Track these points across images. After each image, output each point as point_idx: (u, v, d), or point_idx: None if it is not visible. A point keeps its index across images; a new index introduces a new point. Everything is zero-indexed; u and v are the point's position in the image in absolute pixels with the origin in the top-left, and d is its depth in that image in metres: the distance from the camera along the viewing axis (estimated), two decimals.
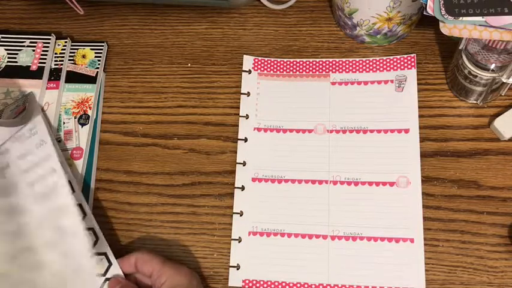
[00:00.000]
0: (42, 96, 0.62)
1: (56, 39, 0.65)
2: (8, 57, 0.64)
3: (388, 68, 0.60)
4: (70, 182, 0.55)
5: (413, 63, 0.60)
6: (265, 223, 0.56)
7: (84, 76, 0.63)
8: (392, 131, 0.58)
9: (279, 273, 0.55)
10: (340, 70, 0.61)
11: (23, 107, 0.58)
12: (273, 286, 0.54)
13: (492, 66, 0.51)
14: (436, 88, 0.60)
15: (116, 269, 0.52)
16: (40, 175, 0.55)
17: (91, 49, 0.65)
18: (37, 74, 0.62)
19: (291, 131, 0.60)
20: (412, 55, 0.61)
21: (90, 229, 0.54)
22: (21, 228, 0.53)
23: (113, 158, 0.61)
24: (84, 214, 0.54)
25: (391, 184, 0.56)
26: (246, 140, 0.60)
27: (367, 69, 0.61)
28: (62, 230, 0.53)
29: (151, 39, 0.66)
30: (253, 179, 0.58)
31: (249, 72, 0.63)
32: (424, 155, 0.57)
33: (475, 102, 0.58)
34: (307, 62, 0.62)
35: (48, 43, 0.64)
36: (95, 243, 0.53)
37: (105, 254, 0.53)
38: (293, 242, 0.55)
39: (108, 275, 0.52)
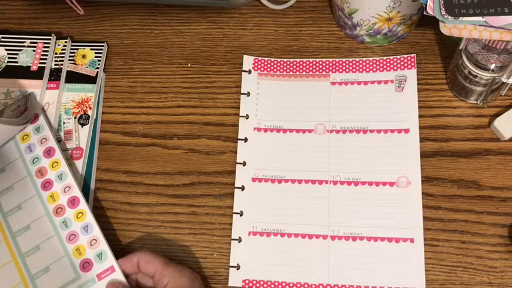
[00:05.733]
0: (42, 96, 0.62)
1: (56, 39, 0.65)
2: (8, 58, 0.64)
3: (388, 68, 0.60)
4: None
5: (413, 63, 0.60)
6: (265, 223, 0.56)
7: (84, 76, 0.63)
8: (392, 131, 0.58)
9: (279, 273, 0.55)
10: (340, 70, 0.61)
11: (24, 107, 0.58)
12: (273, 286, 0.54)
13: (492, 66, 0.51)
14: (436, 88, 0.60)
15: (116, 274, 0.52)
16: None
17: (91, 49, 0.65)
18: (37, 74, 0.62)
19: (291, 131, 0.60)
20: (412, 55, 0.61)
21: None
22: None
23: (113, 158, 0.61)
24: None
25: (391, 184, 0.56)
26: (246, 140, 0.60)
27: (367, 69, 0.61)
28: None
29: (151, 39, 0.66)
30: (253, 179, 0.58)
31: (249, 72, 0.63)
32: (424, 155, 0.57)
33: (475, 102, 0.58)
34: (307, 62, 0.62)
35: (49, 43, 0.64)
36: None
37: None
38: (293, 242, 0.55)
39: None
